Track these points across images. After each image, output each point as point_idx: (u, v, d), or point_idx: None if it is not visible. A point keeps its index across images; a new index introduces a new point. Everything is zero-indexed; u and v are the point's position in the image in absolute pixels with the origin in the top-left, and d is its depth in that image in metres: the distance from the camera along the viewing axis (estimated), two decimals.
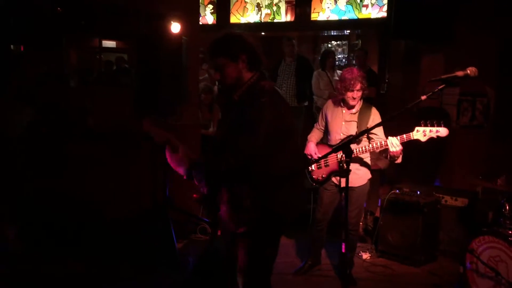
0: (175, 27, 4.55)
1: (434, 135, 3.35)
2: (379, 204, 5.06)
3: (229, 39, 2.51)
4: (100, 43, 8.25)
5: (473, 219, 4.55)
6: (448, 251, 4.66)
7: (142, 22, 5.02)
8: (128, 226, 4.62)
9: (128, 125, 4.78)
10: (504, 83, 5.13)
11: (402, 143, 3.52)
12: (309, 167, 4.04)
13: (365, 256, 4.70)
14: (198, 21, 5.78)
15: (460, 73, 2.39)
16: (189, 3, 5.27)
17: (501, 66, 5.14)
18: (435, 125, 3.33)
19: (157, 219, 4.47)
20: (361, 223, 5.34)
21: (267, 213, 2.45)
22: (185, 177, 2.48)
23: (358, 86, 3.76)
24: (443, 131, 3.33)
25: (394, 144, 3.48)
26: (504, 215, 3.65)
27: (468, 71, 2.39)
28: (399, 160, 3.65)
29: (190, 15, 5.09)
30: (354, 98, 3.81)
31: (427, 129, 3.35)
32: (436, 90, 2.40)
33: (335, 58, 6.89)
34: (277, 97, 2.54)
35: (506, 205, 3.65)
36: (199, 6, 5.91)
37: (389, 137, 3.51)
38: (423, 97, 2.40)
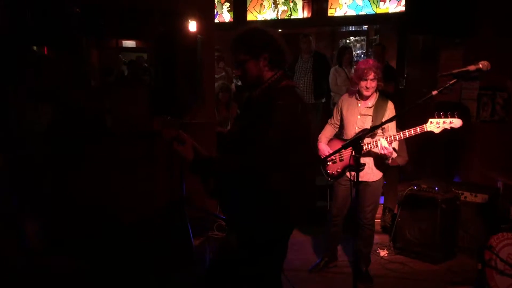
0: (191, 26, 4.58)
1: (447, 126, 3.30)
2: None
3: (252, 35, 2.42)
4: (120, 43, 8.35)
5: (494, 215, 4.47)
6: (467, 248, 4.59)
7: (159, 21, 5.07)
8: (146, 224, 4.69)
9: (146, 124, 4.83)
10: None
11: (417, 136, 3.49)
12: (325, 163, 4.04)
13: (383, 253, 4.66)
14: (213, 19, 5.80)
15: (472, 67, 2.35)
16: (204, 2, 5.29)
17: None
18: (449, 116, 3.28)
19: (174, 217, 4.52)
20: (379, 220, 5.33)
21: (271, 219, 2.40)
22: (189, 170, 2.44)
23: (372, 75, 3.72)
24: (456, 122, 3.28)
25: (383, 146, 3.51)
26: None
27: (480, 65, 2.34)
28: (389, 161, 3.69)
29: (205, 13, 5.12)
30: (367, 88, 3.77)
31: (441, 120, 3.31)
32: (447, 85, 2.37)
33: (352, 54, 6.84)
34: (294, 98, 2.42)
35: None
36: (214, 4, 5.93)
37: (380, 139, 3.51)
38: (434, 92, 2.38)
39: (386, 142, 3.54)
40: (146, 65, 8.07)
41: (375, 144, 3.71)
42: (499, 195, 4.64)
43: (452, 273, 4.27)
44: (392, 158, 3.75)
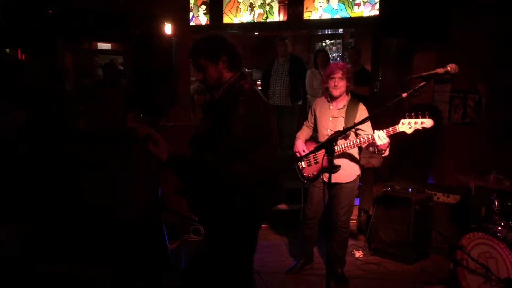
0: (166, 28, 4.56)
1: (419, 126, 3.34)
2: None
3: (210, 40, 2.57)
4: (95, 46, 8.26)
5: (466, 216, 4.55)
6: (440, 248, 4.67)
7: (134, 23, 5.03)
8: (121, 228, 4.63)
9: (121, 128, 4.79)
10: (497, 81, 5.14)
11: (389, 137, 3.52)
12: (300, 165, 4.06)
13: (358, 254, 4.70)
14: (189, 22, 5.78)
15: (440, 70, 2.40)
16: (179, 4, 5.27)
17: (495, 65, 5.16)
18: (420, 116, 3.33)
19: (149, 221, 4.48)
20: (355, 221, 5.38)
21: (239, 212, 2.50)
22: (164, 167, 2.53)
23: (339, 74, 3.77)
24: (427, 122, 3.32)
25: (381, 137, 3.47)
26: (494, 211, 3.66)
27: (449, 68, 2.40)
28: (386, 153, 3.64)
29: (180, 16, 5.10)
30: (335, 86, 3.81)
31: (412, 121, 3.35)
32: (417, 87, 2.41)
33: (328, 56, 6.89)
34: (256, 96, 2.58)
35: (496, 201, 3.66)
36: (189, 7, 5.92)
37: (376, 131, 3.51)
38: (404, 95, 2.42)
39: (383, 133, 3.47)
40: (122, 67, 8.01)
41: (349, 145, 3.73)
42: (471, 196, 4.72)
43: (425, 273, 4.33)
44: (387, 154, 3.71)
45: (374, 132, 3.52)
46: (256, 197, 2.53)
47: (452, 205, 4.71)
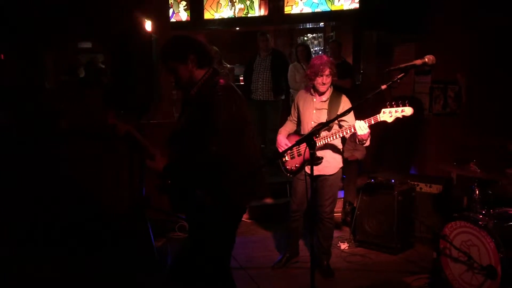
0: (146, 25, 4.52)
1: (400, 115, 3.36)
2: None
3: (175, 42, 2.65)
4: (76, 44, 8.16)
5: (448, 205, 4.62)
6: (424, 238, 4.73)
7: (113, 21, 4.99)
8: (105, 227, 4.60)
9: (103, 126, 4.75)
10: (476, 72, 5.20)
11: (371, 127, 3.54)
12: (283, 158, 4.07)
13: (344, 246, 4.75)
14: (169, 18, 5.75)
15: (418, 62, 2.42)
16: (158, 1, 5.24)
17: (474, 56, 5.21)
18: (400, 105, 3.36)
19: (134, 219, 4.45)
20: (340, 214, 5.42)
21: (222, 204, 2.58)
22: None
23: (327, 71, 3.79)
24: (408, 110, 3.34)
25: (362, 127, 3.49)
26: (475, 200, 3.72)
27: (426, 59, 2.42)
28: (367, 143, 3.66)
29: (160, 12, 5.07)
30: (323, 84, 3.83)
31: (393, 109, 3.37)
32: (395, 79, 2.43)
33: (309, 49, 6.90)
34: (232, 91, 2.64)
35: (476, 190, 3.71)
36: (168, 4, 5.87)
37: (357, 121, 3.54)
38: (383, 86, 2.43)
39: (364, 123, 3.50)
40: (103, 66, 7.93)
41: (332, 138, 3.75)
42: (452, 186, 4.80)
43: (410, 263, 4.38)
44: (368, 144, 3.74)
45: (355, 122, 3.55)
46: (240, 189, 2.60)
47: (434, 195, 4.77)
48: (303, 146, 3.91)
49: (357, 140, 3.62)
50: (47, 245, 4.43)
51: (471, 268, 3.49)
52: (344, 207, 5.43)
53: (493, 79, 5.04)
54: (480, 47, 5.12)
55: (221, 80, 2.63)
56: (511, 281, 3.23)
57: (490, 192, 3.80)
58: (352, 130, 3.58)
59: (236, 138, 2.54)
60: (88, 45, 8.82)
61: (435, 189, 4.77)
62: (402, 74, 2.41)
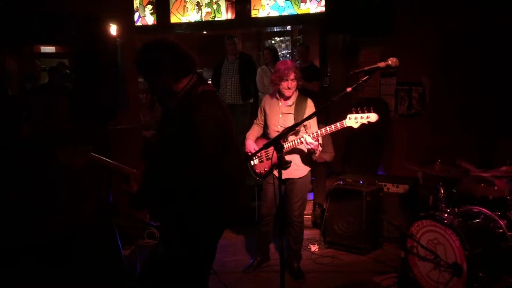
0: (111, 29, 4.46)
1: (365, 121, 3.42)
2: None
3: (149, 52, 2.38)
4: (38, 49, 7.98)
5: (415, 205, 4.70)
6: (392, 237, 4.80)
7: (77, 25, 4.89)
8: (72, 236, 4.49)
9: (68, 133, 4.65)
10: (438, 73, 5.33)
11: (338, 131, 3.59)
12: (251, 162, 4.07)
13: (314, 248, 4.77)
14: (134, 22, 5.68)
15: (382, 64, 2.45)
16: (123, 5, 5.17)
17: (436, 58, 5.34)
18: (365, 111, 3.42)
19: (101, 228, 4.36)
20: (310, 216, 5.45)
21: (203, 219, 2.42)
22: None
23: (292, 76, 3.81)
24: (372, 117, 3.41)
25: (308, 142, 3.58)
26: (440, 199, 3.79)
27: (390, 62, 2.45)
28: (317, 154, 3.76)
29: (125, 16, 5.00)
30: (289, 88, 3.85)
31: (358, 115, 3.43)
32: (360, 82, 2.45)
33: (275, 52, 6.94)
34: (214, 105, 2.40)
35: (441, 189, 3.79)
36: (133, 7, 5.80)
37: (304, 135, 3.60)
38: (349, 89, 2.45)
39: (309, 138, 3.60)
40: (68, 71, 7.76)
41: (299, 141, 3.78)
42: (419, 185, 4.89)
43: (379, 262, 4.44)
44: (320, 151, 3.80)
45: (303, 136, 3.60)
46: (222, 204, 2.45)
47: (401, 195, 4.84)
48: (271, 149, 3.91)
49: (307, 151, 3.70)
50: (8, 260, 4.29)
51: (438, 266, 3.55)
52: (313, 209, 5.46)
53: (454, 80, 5.18)
54: (442, 49, 5.25)
55: (206, 91, 2.40)
56: (476, 278, 3.30)
57: (454, 190, 3.89)
58: (303, 141, 3.64)
59: (216, 161, 2.32)
60: (51, 49, 8.64)
61: (402, 189, 4.85)
62: (366, 77, 2.43)
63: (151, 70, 2.37)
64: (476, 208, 3.73)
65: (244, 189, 2.70)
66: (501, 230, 3.52)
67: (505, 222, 3.54)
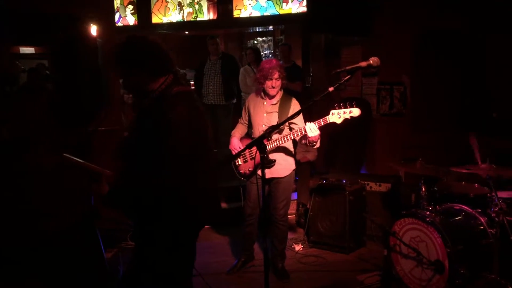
0: (91, 30, 4.42)
1: (348, 116, 3.44)
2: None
3: (128, 48, 2.36)
4: (17, 50, 7.87)
5: (397, 203, 4.75)
6: (375, 236, 4.83)
7: (57, 26, 4.83)
8: (53, 241, 4.42)
9: (48, 134, 4.58)
10: (419, 73, 5.40)
11: (322, 129, 3.59)
12: (236, 162, 4.06)
13: (298, 248, 4.78)
14: (114, 22, 5.62)
15: (363, 64, 2.47)
16: (104, 5, 5.12)
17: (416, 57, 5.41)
18: (348, 106, 3.43)
19: (83, 231, 4.30)
20: (294, 216, 5.46)
21: (178, 222, 2.40)
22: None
23: (277, 75, 3.80)
24: (355, 111, 3.43)
25: (312, 129, 3.53)
26: (422, 197, 3.83)
27: (371, 61, 2.47)
28: (317, 145, 3.71)
29: (105, 16, 4.96)
30: (273, 87, 3.85)
31: (341, 111, 3.44)
32: (342, 81, 2.46)
33: (258, 52, 6.94)
34: (189, 106, 2.36)
35: (423, 187, 3.83)
36: (114, 7, 5.74)
37: (307, 123, 3.57)
38: (331, 89, 2.47)
39: (314, 125, 3.52)
40: (48, 72, 7.66)
41: (284, 140, 3.77)
42: (401, 184, 4.94)
43: (362, 261, 4.47)
44: (318, 145, 3.77)
45: (305, 125, 3.58)
46: (196, 205, 2.42)
47: (384, 193, 4.89)
48: (255, 149, 3.91)
49: (307, 142, 3.66)
50: None
51: (420, 264, 3.59)
52: (297, 209, 5.47)
53: (433, 79, 5.25)
54: (421, 49, 5.32)
55: (181, 92, 2.35)
56: (458, 274, 3.34)
57: (436, 188, 3.93)
58: (303, 132, 3.61)
59: (190, 163, 2.28)
60: (30, 50, 8.53)
61: (384, 187, 4.89)
62: (348, 76, 2.45)
63: (130, 67, 2.34)
64: (457, 206, 3.78)
65: (217, 191, 2.70)
66: (481, 227, 3.57)
67: (486, 219, 3.59)
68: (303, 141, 3.73)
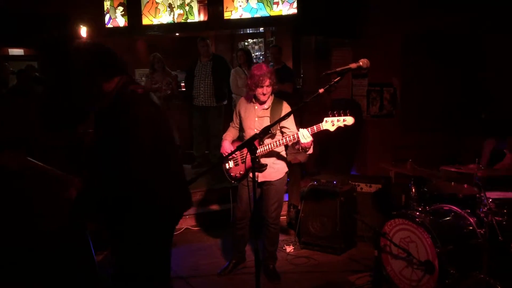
0: (81, 31, 4.40)
1: (341, 124, 3.46)
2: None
3: (76, 53, 2.43)
4: (6, 51, 7.80)
5: (387, 203, 4.77)
6: (366, 237, 4.86)
7: (47, 27, 4.81)
8: (43, 243, 4.38)
9: (37, 137, 4.54)
10: (408, 74, 5.43)
11: (314, 134, 3.60)
12: (227, 165, 4.05)
13: (289, 249, 4.78)
14: (104, 24, 5.59)
15: (353, 65, 2.48)
16: (94, 7, 5.10)
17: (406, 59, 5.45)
18: (342, 114, 3.45)
19: (74, 233, 4.27)
20: (285, 217, 5.46)
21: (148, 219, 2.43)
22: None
23: (267, 82, 3.81)
24: (349, 120, 3.46)
25: (305, 135, 3.55)
26: (412, 198, 3.86)
27: (361, 63, 2.48)
28: (310, 151, 3.73)
29: (95, 18, 4.93)
30: (264, 94, 3.85)
31: (335, 119, 3.46)
32: (332, 83, 2.47)
33: (249, 54, 6.94)
34: (147, 104, 2.42)
35: (413, 188, 3.86)
36: (104, 9, 5.71)
37: (300, 129, 3.59)
38: (321, 90, 2.47)
39: (307, 132, 3.56)
40: (37, 74, 7.60)
41: (276, 145, 3.78)
42: (391, 184, 4.97)
43: (353, 261, 4.49)
44: (312, 151, 3.79)
45: (298, 131, 3.60)
46: (166, 203, 2.47)
47: (374, 194, 4.91)
48: (246, 152, 3.90)
49: (300, 148, 3.68)
50: None
51: (411, 264, 3.61)
52: (288, 210, 5.48)
53: (423, 81, 5.29)
54: (410, 51, 5.36)
55: (138, 91, 2.41)
56: (447, 274, 3.36)
57: (425, 189, 3.96)
58: (296, 138, 3.63)
59: (155, 160, 2.33)
60: (19, 52, 8.46)
61: (375, 188, 4.92)
62: (338, 78, 2.45)
63: (82, 69, 2.40)
64: (446, 206, 3.81)
65: (186, 188, 2.72)
66: (471, 228, 3.60)
67: (475, 219, 3.62)
68: (296, 147, 3.74)
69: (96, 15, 5.08)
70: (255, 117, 3.97)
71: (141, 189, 2.31)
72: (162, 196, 2.43)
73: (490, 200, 3.53)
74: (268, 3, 6.47)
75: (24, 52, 8.35)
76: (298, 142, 3.64)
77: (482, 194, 3.55)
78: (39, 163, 2.55)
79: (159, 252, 2.56)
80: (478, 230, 3.55)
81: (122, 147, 2.27)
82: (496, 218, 3.45)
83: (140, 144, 2.28)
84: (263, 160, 3.88)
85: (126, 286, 2.50)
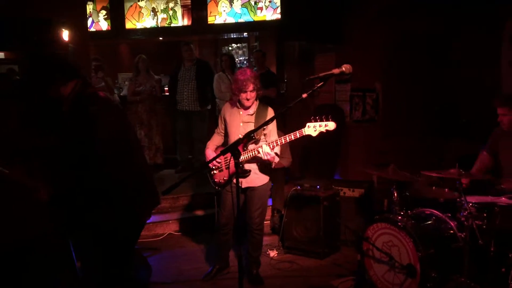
0: (63, 34, 4.36)
1: (323, 129, 3.49)
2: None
3: (33, 65, 2.65)
4: None
5: (370, 208, 4.81)
6: (349, 241, 4.88)
7: (29, 30, 4.74)
8: (23, 250, 4.31)
9: (16, 142, 4.48)
10: (390, 80, 5.50)
11: (297, 139, 3.62)
12: (211, 171, 4.04)
13: (273, 254, 4.78)
14: (87, 28, 5.55)
15: (336, 71, 2.50)
16: (76, 10, 5.05)
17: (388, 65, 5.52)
18: (324, 119, 3.48)
19: (53, 238, 4.21)
20: (268, 222, 5.46)
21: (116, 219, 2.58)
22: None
23: (251, 87, 3.81)
24: (331, 125, 3.48)
25: (265, 152, 3.62)
26: (394, 202, 3.89)
27: (344, 68, 2.50)
28: (272, 166, 3.84)
29: (77, 21, 4.88)
30: (248, 99, 3.85)
31: (317, 124, 3.49)
32: (315, 88, 2.49)
33: (233, 59, 6.96)
34: (107, 103, 2.61)
35: (395, 192, 3.89)
36: (86, 13, 5.67)
37: (263, 145, 3.63)
38: (304, 95, 2.49)
39: (268, 148, 3.64)
40: (18, 77, 7.49)
41: (259, 150, 3.79)
42: (374, 189, 5.00)
43: (337, 266, 4.50)
44: (275, 163, 3.86)
45: (262, 146, 3.64)
46: (134, 204, 2.60)
47: (357, 199, 4.94)
48: (230, 157, 3.90)
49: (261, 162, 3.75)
50: None
51: (393, 268, 3.63)
52: (272, 215, 5.48)
53: (404, 86, 5.35)
54: (392, 57, 5.42)
55: (96, 91, 2.58)
56: (429, 278, 3.40)
57: (407, 193, 3.99)
58: (275, 145, 3.66)
59: (121, 157, 2.49)
60: (0, 55, 8.33)
61: (357, 193, 4.95)
62: (321, 83, 2.47)
63: (42, 78, 2.59)
64: (428, 210, 3.85)
65: (153, 187, 2.82)
66: (451, 231, 3.64)
67: (455, 223, 3.67)
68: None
69: (78, 19, 5.02)
70: (240, 123, 3.97)
71: (108, 182, 2.48)
72: (129, 187, 2.57)
73: (470, 204, 3.58)
74: (252, 8, 6.50)
75: (5, 55, 8.24)
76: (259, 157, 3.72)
77: (462, 198, 3.60)
78: (6, 171, 2.75)
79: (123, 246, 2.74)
80: (459, 234, 3.59)
81: (84, 144, 2.44)
82: (476, 222, 3.49)
83: (101, 138, 2.44)
84: (247, 166, 3.88)
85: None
